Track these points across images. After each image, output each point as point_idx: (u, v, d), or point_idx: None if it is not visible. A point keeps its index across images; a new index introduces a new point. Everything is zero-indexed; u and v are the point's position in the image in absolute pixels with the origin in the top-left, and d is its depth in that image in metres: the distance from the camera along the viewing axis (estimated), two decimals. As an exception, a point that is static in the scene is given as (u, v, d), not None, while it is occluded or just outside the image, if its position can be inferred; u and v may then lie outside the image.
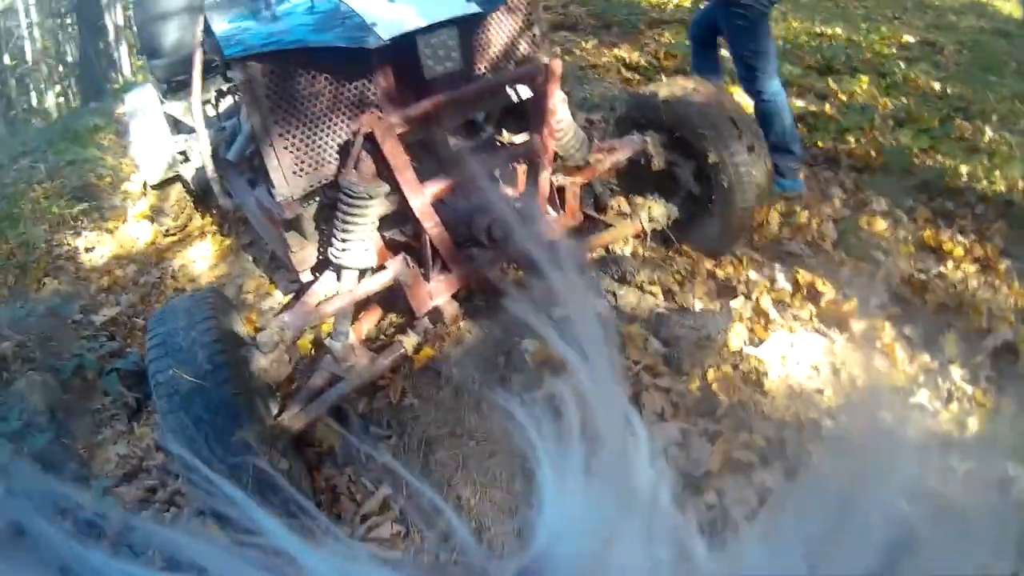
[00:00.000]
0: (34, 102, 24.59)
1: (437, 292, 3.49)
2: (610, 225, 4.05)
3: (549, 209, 3.73)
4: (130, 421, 4.18)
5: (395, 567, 0.65)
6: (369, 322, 3.70)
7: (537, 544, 0.64)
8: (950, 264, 4.39)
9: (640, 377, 3.40)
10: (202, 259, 5.46)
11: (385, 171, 3.12)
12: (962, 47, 8.45)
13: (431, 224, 3.28)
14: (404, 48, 3.11)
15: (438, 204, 3.31)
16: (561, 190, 3.75)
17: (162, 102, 5.26)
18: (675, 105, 3.91)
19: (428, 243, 3.36)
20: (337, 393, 3.28)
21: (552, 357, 3.44)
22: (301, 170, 3.11)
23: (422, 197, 3.19)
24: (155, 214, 5.79)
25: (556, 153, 3.64)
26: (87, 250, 6.02)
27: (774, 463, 3.03)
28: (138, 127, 5.42)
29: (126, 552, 0.60)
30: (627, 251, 4.27)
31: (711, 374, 3.38)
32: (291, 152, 3.07)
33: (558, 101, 3.51)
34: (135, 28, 5.95)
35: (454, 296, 3.60)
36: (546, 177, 3.55)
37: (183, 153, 5.17)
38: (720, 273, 4.16)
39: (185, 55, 4.69)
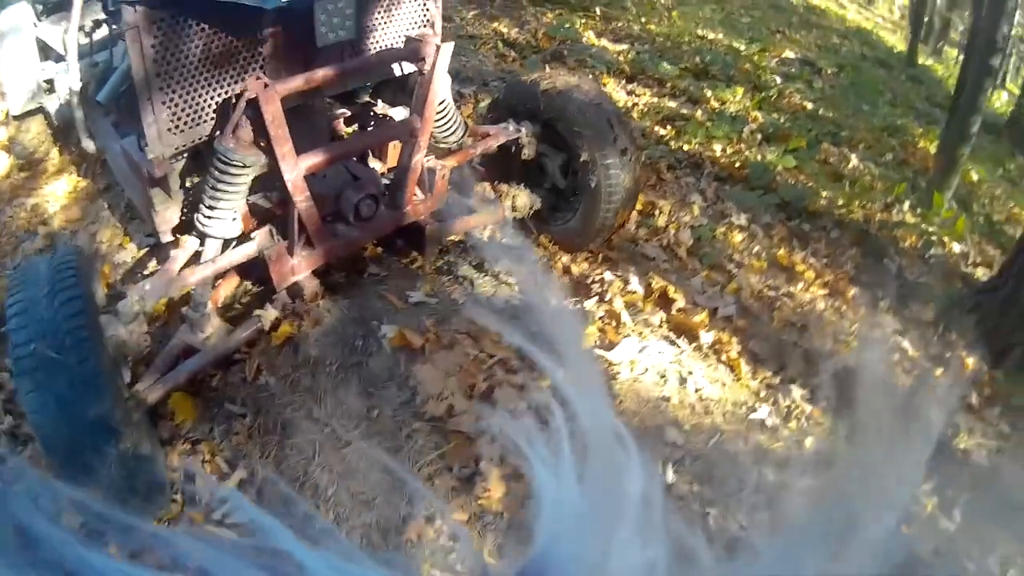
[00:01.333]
0: None
1: (299, 267, 3.42)
2: (474, 210, 4.01)
3: (418, 190, 3.68)
4: None
5: (392, 567, 0.64)
6: (226, 289, 3.59)
7: (537, 546, 0.63)
8: (800, 285, 4.49)
9: (494, 371, 3.34)
10: (57, 199, 5.10)
11: (263, 139, 3.00)
12: (841, 71, 8.71)
13: (301, 198, 3.17)
14: (300, 13, 3.02)
15: (309, 176, 3.21)
16: (432, 172, 3.69)
17: (35, 24, 4.86)
18: (555, 98, 3.88)
19: (296, 217, 3.25)
20: (194, 365, 3.16)
21: (408, 343, 3.35)
22: (177, 127, 2.96)
23: (297, 170, 3.08)
24: (12, 144, 5.40)
25: (431, 135, 3.60)
26: None
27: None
28: (6, 49, 4.94)
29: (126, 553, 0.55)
30: (485, 237, 4.19)
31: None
32: (169, 108, 2.91)
33: (443, 83, 3.47)
34: None
35: (314, 272, 3.53)
36: (420, 159, 3.51)
37: (49, 82, 4.83)
38: (575, 269, 4.14)
39: None
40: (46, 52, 4.83)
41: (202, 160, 3.22)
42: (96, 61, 3.95)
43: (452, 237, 4.05)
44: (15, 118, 5.12)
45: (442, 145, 3.85)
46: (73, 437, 2.57)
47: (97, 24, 3.98)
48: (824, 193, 5.42)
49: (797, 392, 3.69)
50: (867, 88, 8.18)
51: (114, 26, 3.47)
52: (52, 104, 4.80)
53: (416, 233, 3.77)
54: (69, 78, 3.77)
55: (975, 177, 6.24)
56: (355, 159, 3.71)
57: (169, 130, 2.94)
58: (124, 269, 4.25)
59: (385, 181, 3.69)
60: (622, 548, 0.62)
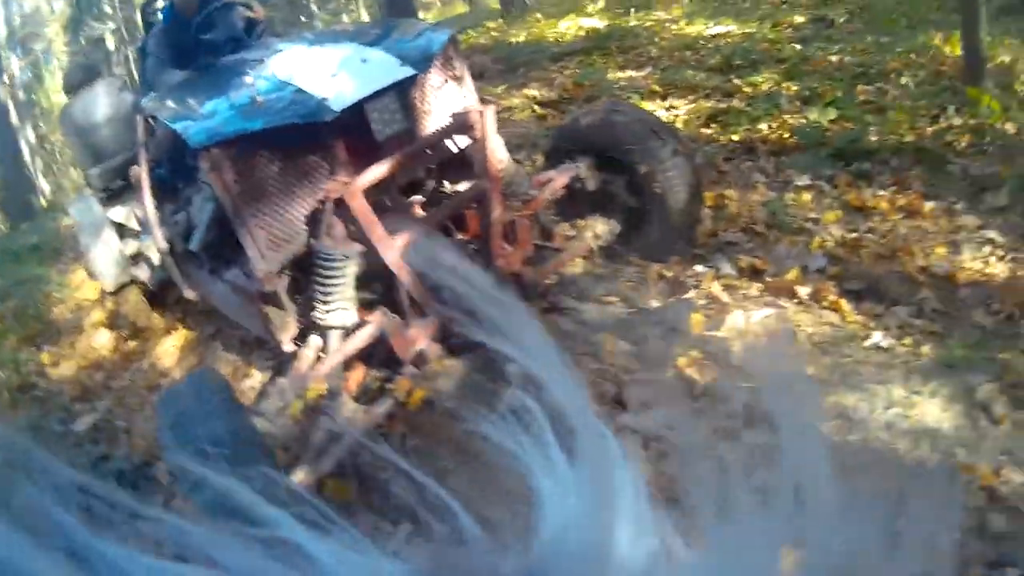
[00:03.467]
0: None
1: (418, 337, 3.58)
2: (560, 250, 4.25)
3: (504, 245, 3.90)
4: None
5: (404, 560, 0.65)
6: (355, 379, 3.74)
7: (542, 543, 0.65)
8: (877, 218, 4.69)
9: (617, 376, 3.60)
10: (169, 355, 5.46)
11: (355, 232, 3.31)
12: (852, 15, 8.78)
13: (404, 272, 3.42)
14: (354, 116, 3.37)
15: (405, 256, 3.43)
16: (511, 224, 3.93)
17: (104, 209, 5.34)
18: (598, 128, 4.19)
19: (404, 293, 3.51)
20: (343, 447, 3.34)
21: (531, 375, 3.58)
22: (276, 244, 3.31)
23: (393, 250, 3.34)
24: (113, 320, 5.77)
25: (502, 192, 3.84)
26: (52, 365, 5.93)
27: (759, 424, 3.24)
28: (88, 236, 5.40)
29: (138, 544, 0.60)
30: (579, 271, 4.48)
31: (681, 361, 3.59)
32: (263, 228, 3.26)
33: (496, 143, 3.74)
34: (61, 141, 5.97)
35: (433, 338, 3.68)
36: (498, 215, 3.73)
37: (135, 256, 5.25)
38: (669, 274, 4.37)
39: (120, 161, 5.02)
40: (121, 232, 5.28)
41: (298, 282, 3.53)
42: (176, 221, 4.35)
43: (547, 279, 4.22)
44: (111, 294, 5.49)
45: (513, 200, 4.07)
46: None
47: (160, 195, 4.40)
48: (872, 128, 5.61)
49: (903, 312, 3.88)
50: (882, 21, 8.24)
51: (183, 185, 3.90)
52: (143, 272, 5.21)
53: (515, 283, 3.91)
54: (156, 240, 4.13)
55: (1007, 59, 6.29)
56: (441, 239, 3.82)
57: (269, 248, 3.29)
58: (253, 393, 4.45)
59: (473, 247, 3.94)
60: (622, 542, 0.63)
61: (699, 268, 4.37)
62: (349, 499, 3.52)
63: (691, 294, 4.15)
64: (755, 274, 4.28)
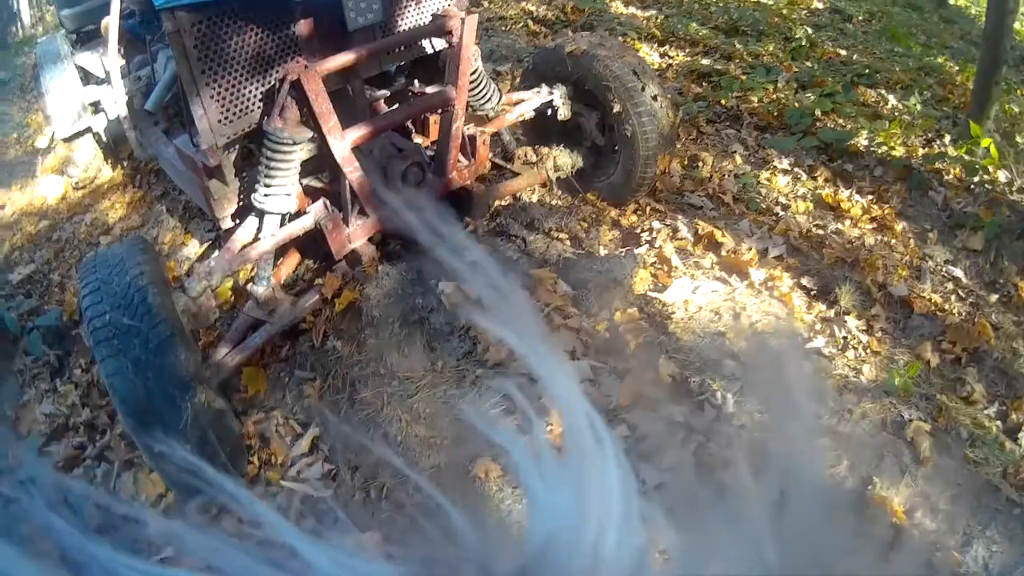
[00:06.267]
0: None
1: (355, 236, 3.59)
2: (517, 173, 4.19)
3: (461, 157, 3.82)
4: (53, 379, 4.15)
5: (397, 563, 0.66)
6: (287, 268, 3.81)
7: (535, 541, 0.65)
8: (847, 222, 4.51)
9: (551, 317, 3.42)
10: (114, 211, 5.31)
11: (309, 118, 3.17)
12: (871, 17, 8.64)
13: (351, 169, 3.35)
14: (328, 1, 3.20)
15: (356, 152, 3.38)
16: (472, 139, 3.84)
17: (72, 53, 5.18)
18: (581, 58, 4.01)
19: (348, 188, 3.44)
20: (263, 335, 3.37)
21: (467, 299, 3.45)
22: (226, 118, 3.16)
23: (344, 143, 3.25)
24: (65, 167, 5.66)
25: (468, 103, 3.74)
26: None
27: (681, 399, 3.08)
28: (49, 78, 5.25)
29: (131, 547, 0.59)
30: (534, 199, 4.30)
31: (618, 315, 3.41)
32: (217, 101, 3.09)
33: (472, 54, 3.60)
34: None
35: (371, 240, 3.71)
36: (459, 126, 3.65)
37: (94, 104, 5.10)
38: (624, 222, 4.21)
39: (96, 4, 4.86)
40: (87, 78, 5.13)
41: (252, 153, 3.43)
42: (139, 76, 4.24)
43: (498, 200, 4.17)
44: (64, 140, 5.39)
45: (479, 114, 3.99)
46: (150, 398, 2.73)
47: (131, 45, 4.28)
48: (864, 133, 5.41)
49: (853, 323, 3.71)
50: (899, 32, 8.10)
51: (152, 39, 3.74)
52: (99, 123, 5.07)
53: (464, 197, 3.90)
54: (115, 94, 4.01)
55: (1016, 109, 6.17)
56: (399, 136, 3.87)
57: (219, 121, 3.13)
58: (188, 264, 4.44)
59: (430, 153, 3.86)
60: (611, 539, 0.64)
61: (656, 224, 4.16)
62: (263, 390, 3.52)
63: (642, 249, 3.94)
64: (712, 245, 4.07)
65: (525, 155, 4.34)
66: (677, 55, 6.69)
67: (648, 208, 4.32)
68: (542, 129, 4.36)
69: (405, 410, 3.21)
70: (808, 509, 0.71)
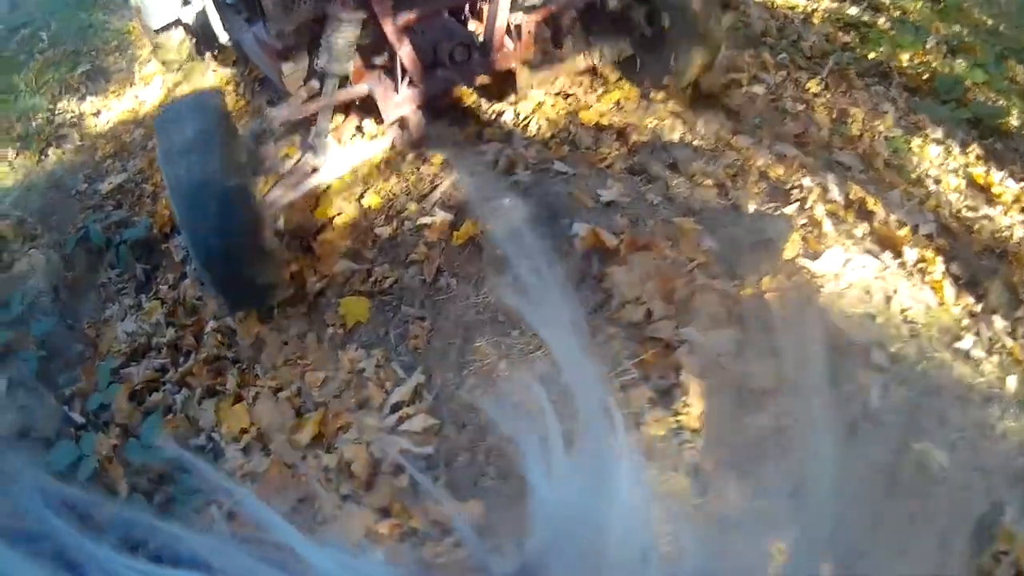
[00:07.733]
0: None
1: (405, 102, 3.85)
2: (563, 60, 4.35)
3: (507, 40, 4.03)
4: (138, 295, 4.05)
5: (399, 564, 0.66)
6: (345, 130, 4.17)
7: (536, 539, 0.65)
8: (998, 208, 4.19)
9: (694, 276, 3.16)
10: None
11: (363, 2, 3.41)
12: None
13: (402, 45, 3.59)
14: None
15: (409, 31, 3.64)
16: (518, 26, 4.00)
17: None
18: None
19: (399, 62, 3.66)
20: (316, 180, 3.74)
21: (602, 243, 3.20)
22: (292, 4, 3.39)
23: (394, 21, 3.48)
24: (157, 54, 5.66)
25: None
26: (92, 115, 5.71)
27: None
28: None
29: (129, 547, 0.57)
30: (675, 136, 4.05)
31: (766, 282, 3.15)
32: None
33: None
34: None
35: (419, 108, 3.94)
36: (505, 12, 3.83)
37: None
38: (772, 174, 3.93)
39: None
40: None
41: (319, 37, 3.61)
42: None
43: (543, 82, 4.35)
44: (157, 31, 5.37)
45: (528, 4, 4.05)
46: (224, 242, 3.04)
47: None
48: (1015, 112, 5.05)
49: (999, 324, 3.42)
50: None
51: None
52: (188, 15, 5.19)
53: (509, 78, 4.14)
54: None
55: None
56: (455, 22, 4.23)
57: (286, 8, 3.38)
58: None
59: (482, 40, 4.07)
60: (617, 538, 0.62)
61: (806, 181, 3.86)
62: (364, 321, 3.40)
63: (791, 208, 3.65)
64: (863, 213, 3.79)
65: (572, 44, 4.43)
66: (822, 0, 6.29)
67: (796, 162, 4.02)
68: (590, 20, 4.49)
69: (525, 365, 2.95)
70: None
